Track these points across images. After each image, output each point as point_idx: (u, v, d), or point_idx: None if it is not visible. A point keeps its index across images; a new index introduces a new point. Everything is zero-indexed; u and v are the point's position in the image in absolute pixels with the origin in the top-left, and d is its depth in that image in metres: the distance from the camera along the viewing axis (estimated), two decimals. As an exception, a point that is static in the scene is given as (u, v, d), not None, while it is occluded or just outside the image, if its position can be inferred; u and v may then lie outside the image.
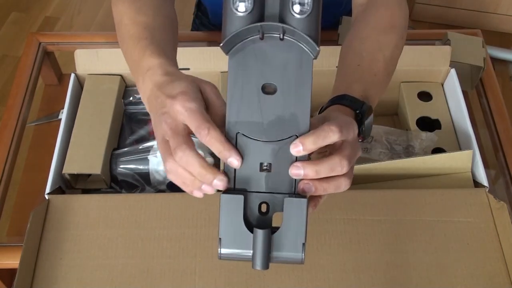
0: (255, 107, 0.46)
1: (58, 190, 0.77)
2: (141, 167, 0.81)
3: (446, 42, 0.94)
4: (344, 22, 0.98)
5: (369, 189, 0.75)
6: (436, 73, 0.89)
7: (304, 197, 0.46)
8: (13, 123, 0.87)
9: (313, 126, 0.46)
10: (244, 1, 0.44)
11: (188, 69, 0.87)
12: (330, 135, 0.46)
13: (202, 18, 1.16)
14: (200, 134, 0.45)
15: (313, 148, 0.45)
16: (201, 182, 0.47)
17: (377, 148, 0.83)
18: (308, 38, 0.44)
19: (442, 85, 0.91)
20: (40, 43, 0.99)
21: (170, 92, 0.49)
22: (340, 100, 0.57)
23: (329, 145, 0.48)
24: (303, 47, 0.46)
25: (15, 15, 2.15)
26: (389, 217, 0.71)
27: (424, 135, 0.83)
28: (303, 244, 0.46)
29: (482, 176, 0.75)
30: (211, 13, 1.12)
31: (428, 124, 0.87)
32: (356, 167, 0.75)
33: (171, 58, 0.57)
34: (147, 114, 0.88)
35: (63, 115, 0.82)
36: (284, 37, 0.46)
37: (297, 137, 0.46)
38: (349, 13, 1.05)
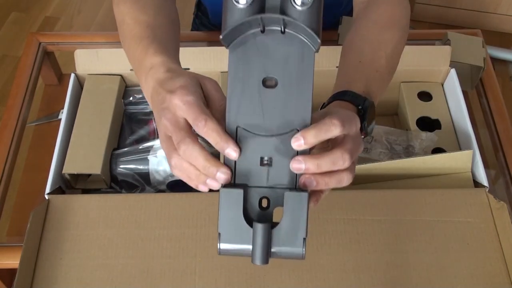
0: (256, 101, 0.46)
1: (58, 190, 0.77)
2: (141, 167, 0.81)
3: (446, 42, 0.94)
4: (344, 22, 0.98)
5: (369, 189, 0.75)
6: (436, 73, 0.89)
7: (305, 191, 0.45)
8: (13, 123, 0.87)
9: (315, 121, 0.46)
10: None
11: (188, 69, 0.87)
12: (332, 129, 0.45)
13: (202, 18, 1.16)
14: (197, 126, 0.45)
15: (315, 142, 0.45)
16: (206, 176, 0.46)
17: (377, 148, 0.83)
18: (309, 30, 0.43)
19: (442, 85, 0.91)
20: (40, 43, 0.99)
21: (170, 88, 0.49)
22: (342, 96, 0.57)
23: (331, 139, 0.47)
24: (305, 40, 0.45)
25: (15, 15, 2.15)
26: (389, 217, 0.71)
27: (424, 135, 0.83)
28: (304, 238, 0.45)
29: (482, 176, 0.75)
30: (211, 13, 1.12)
31: (428, 124, 0.87)
32: (356, 167, 0.74)
33: (173, 56, 0.57)
34: (147, 114, 0.88)
35: (63, 115, 0.82)
36: (286, 30, 0.45)
37: (298, 131, 0.45)
38: (349, 13, 1.05)
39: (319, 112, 0.52)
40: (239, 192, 0.46)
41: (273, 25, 0.45)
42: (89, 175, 0.81)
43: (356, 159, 0.49)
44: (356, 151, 0.47)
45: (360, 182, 0.77)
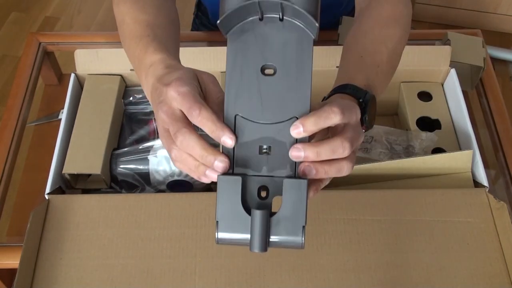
0: (254, 89, 0.45)
1: (58, 190, 0.77)
2: (141, 167, 0.81)
3: (446, 42, 0.94)
4: (344, 22, 0.98)
5: (369, 189, 0.75)
6: (436, 73, 0.89)
7: (304, 179, 0.45)
8: (13, 123, 0.87)
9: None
10: None
11: (188, 69, 0.87)
12: (332, 116, 0.44)
13: (202, 18, 1.16)
14: (192, 115, 0.45)
15: (314, 130, 0.44)
16: (205, 167, 0.46)
17: (377, 148, 0.83)
18: (307, 14, 0.43)
19: (442, 85, 0.91)
20: (40, 43, 0.99)
21: (167, 81, 0.49)
22: (343, 89, 0.56)
23: (331, 129, 0.47)
24: (303, 27, 0.45)
25: (15, 15, 2.15)
26: (389, 217, 0.71)
27: (424, 135, 0.83)
28: (303, 227, 0.44)
29: (482, 176, 0.75)
30: (211, 13, 1.12)
31: (428, 124, 0.87)
32: (356, 167, 0.75)
33: (173, 54, 0.57)
34: (147, 114, 0.88)
35: (63, 115, 0.82)
36: (284, 17, 0.45)
37: (297, 118, 0.45)
38: (349, 13, 1.05)
39: (320, 103, 0.52)
40: (237, 179, 0.45)
41: (271, 12, 0.45)
42: (89, 175, 0.81)
43: (356, 148, 0.48)
44: (356, 140, 0.47)
45: (360, 182, 0.77)
